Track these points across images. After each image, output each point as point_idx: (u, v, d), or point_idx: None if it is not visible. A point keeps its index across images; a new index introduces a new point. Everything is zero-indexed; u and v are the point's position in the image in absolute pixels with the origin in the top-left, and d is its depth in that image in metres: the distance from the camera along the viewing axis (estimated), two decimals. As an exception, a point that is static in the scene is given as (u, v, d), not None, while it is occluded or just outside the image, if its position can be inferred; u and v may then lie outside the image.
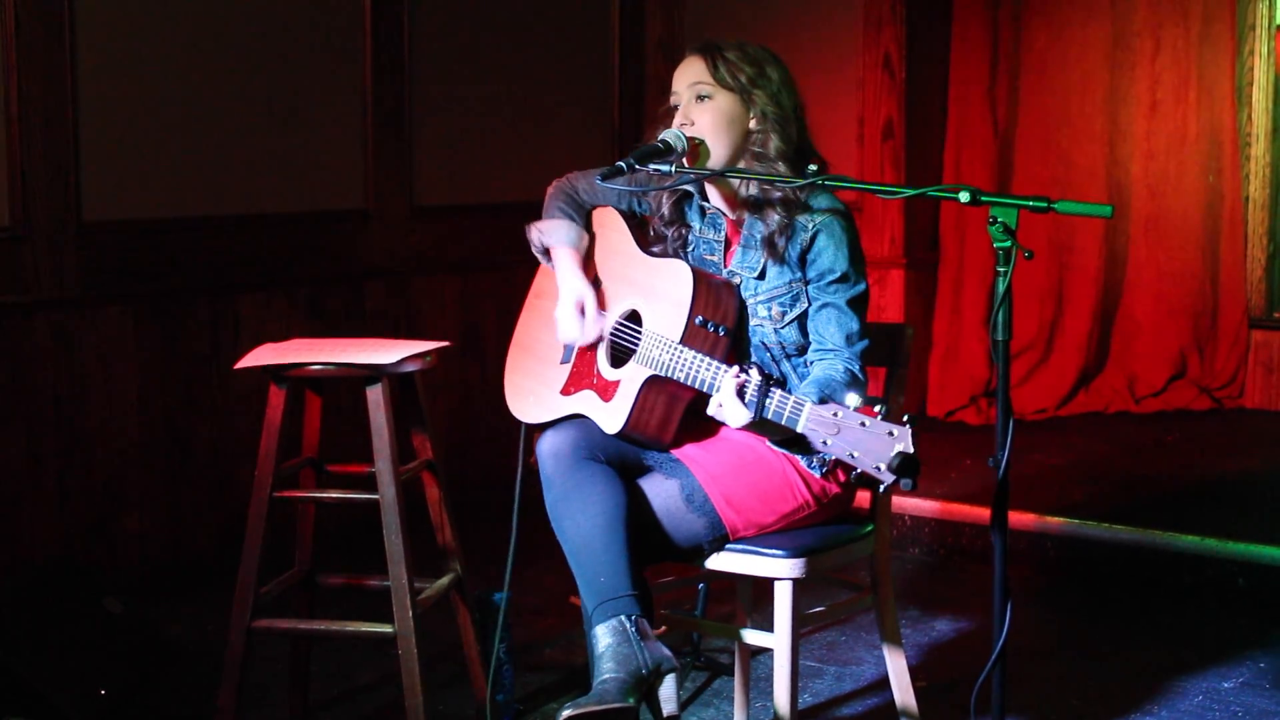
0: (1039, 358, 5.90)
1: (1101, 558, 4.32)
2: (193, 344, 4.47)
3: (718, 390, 2.58)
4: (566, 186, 3.06)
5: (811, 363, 2.80)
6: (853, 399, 2.38)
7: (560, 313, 2.93)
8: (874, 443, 2.33)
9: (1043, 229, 5.73)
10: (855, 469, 2.37)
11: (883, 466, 2.32)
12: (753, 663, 3.50)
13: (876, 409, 2.36)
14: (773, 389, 2.50)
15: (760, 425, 2.54)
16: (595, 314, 2.92)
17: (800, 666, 2.86)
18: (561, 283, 2.96)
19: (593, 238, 3.05)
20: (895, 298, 5.67)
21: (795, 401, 2.46)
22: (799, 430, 2.44)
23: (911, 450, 2.31)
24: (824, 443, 2.40)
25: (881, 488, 2.36)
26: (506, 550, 3.00)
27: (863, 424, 2.35)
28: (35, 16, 4.06)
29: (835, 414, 2.39)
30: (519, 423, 3.03)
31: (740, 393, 2.52)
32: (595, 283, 3.00)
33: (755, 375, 2.52)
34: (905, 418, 2.34)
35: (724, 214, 2.90)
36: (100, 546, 4.27)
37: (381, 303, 5.00)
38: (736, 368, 2.56)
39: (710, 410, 2.58)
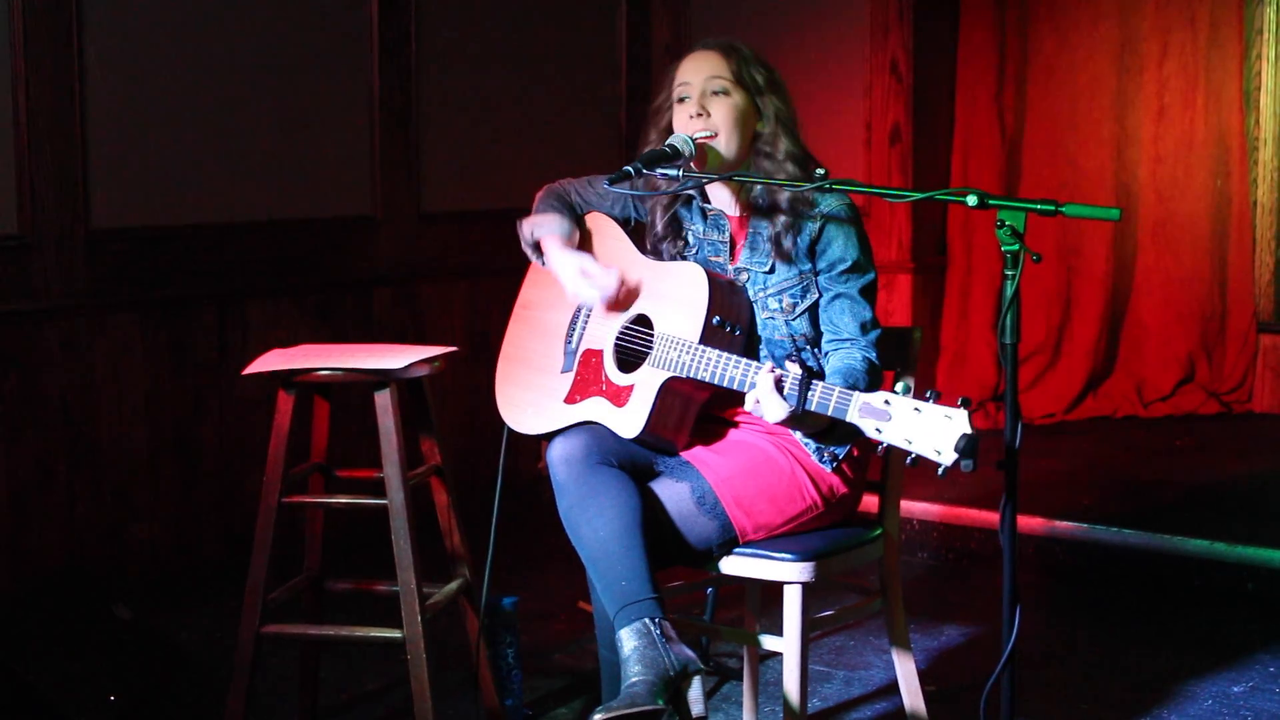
0: (1047, 362, 5.89)
1: (1110, 562, 4.32)
2: (201, 350, 4.47)
3: (753, 386, 2.60)
4: (558, 189, 3.07)
5: (828, 354, 2.82)
6: (900, 385, 2.42)
7: (570, 287, 2.91)
8: (931, 427, 2.37)
9: (1051, 233, 5.73)
10: (910, 454, 2.40)
11: (943, 450, 2.35)
12: (761, 667, 3.50)
13: (927, 394, 2.39)
14: (814, 381, 2.52)
15: (800, 418, 2.55)
16: (599, 267, 2.90)
17: (809, 671, 2.85)
18: (557, 263, 2.94)
19: (586, 235, 3.04)
20: (903, 302, 5.66)
21: (842, 392, 2.49)
22: (849, 420, 2.47)
23: (970, 431, 2.34)
24: (876, 430, 2.43)
25: (941, 470, 2.38)
26: (516, 555, 3.00)
27: (916, 409, 2.39)
28: (43, 25, 4.07)
29: (886, 402, 2.42)
30: (504, 427, 3.04)
31: (779, 387, 2.53)
32: None
33: (795, 369, 2.54)
34: (960, 400, 2.37)
35: (725, 213, 2.91)
36: (109, 552, 4.28)
37: (389, 308, 5.00)
38: (770, 363, 2.59)
39: (747, 406, 2.60)
